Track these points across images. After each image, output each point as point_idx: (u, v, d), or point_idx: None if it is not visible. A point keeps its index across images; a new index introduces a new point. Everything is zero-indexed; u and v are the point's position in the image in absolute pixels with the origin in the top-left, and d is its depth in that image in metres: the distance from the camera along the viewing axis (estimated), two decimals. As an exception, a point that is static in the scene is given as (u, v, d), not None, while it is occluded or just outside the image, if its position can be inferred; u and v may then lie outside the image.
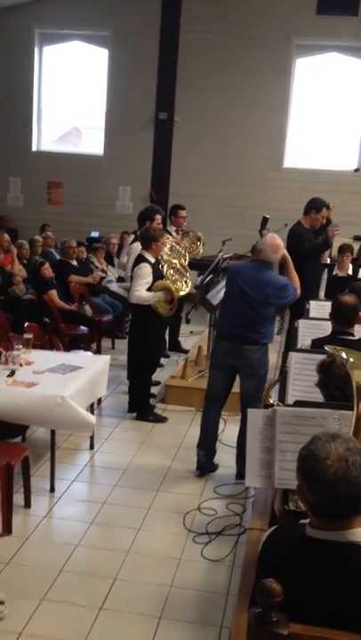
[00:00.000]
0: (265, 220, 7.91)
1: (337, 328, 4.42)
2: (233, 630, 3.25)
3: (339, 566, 1.84)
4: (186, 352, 8.20)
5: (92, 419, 4.75)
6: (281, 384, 3.87)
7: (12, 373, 4.84)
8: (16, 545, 4.03)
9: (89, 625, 3.36)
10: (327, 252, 8.15)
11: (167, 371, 7.53)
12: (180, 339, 8.71)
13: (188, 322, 9.84)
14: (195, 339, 8.93)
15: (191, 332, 9.42)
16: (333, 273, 8.38)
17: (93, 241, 10.99)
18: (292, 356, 4.07)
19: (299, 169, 11.92)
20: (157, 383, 7.07)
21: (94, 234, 11.76)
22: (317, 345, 4.31)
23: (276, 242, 5.01)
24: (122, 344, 8.10)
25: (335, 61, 11.85)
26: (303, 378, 3.78)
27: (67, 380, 4.86)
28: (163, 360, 7.78)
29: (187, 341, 8.84)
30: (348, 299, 4.41)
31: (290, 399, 3.62)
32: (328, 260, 8.74)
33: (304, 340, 4.96)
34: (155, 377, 6.87)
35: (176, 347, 8.54)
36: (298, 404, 2.90)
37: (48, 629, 3.32)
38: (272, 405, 2.96)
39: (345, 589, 1.82)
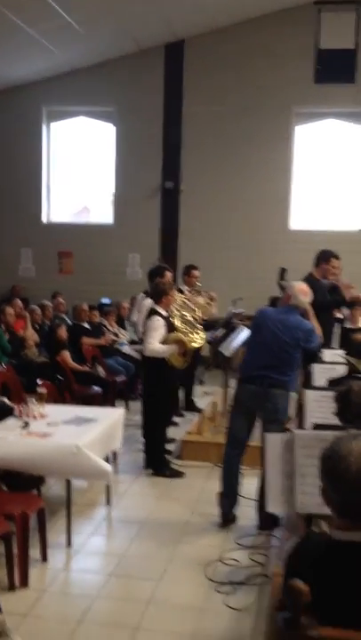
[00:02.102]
0: (283, 271, 7.95)
1: (353, 368, 4.41)
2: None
3: (368, 567, 1.78)
4: (200, 411, 8.13)
5: (108, 467, 4.67)
6: (298, 419, 3.83)
7: (27, 425, 4.81)
8: (33, 598, 3.91)
9: (110, 675, 3.23)
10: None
11: (182, 429, 7.45)
12: (194, 398, 8.67)
13: (201, 383, 9.83)
14: (209, 399, 8.87)
15: (205, 393, 9.37)
16: (345, 326, 8.40)
17: (104, 306, 11.12)
18: (308, 393, 4.05)
19: (304, 230, 12.11)
20: (173, 440, 7.00)
21: (105, 300, 11.89)
22: (334, 384, 4.30)
23: (305, 287, 5.13)
24: (135, 405, 8.06)
25: (334, 127, 12.24)
26: (321, 411, 3.75)
27: (82, 431, 4.83)
28: (177, 419, 7.72)
29: (200, 401, 8.77)
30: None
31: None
32: (342, 316, 8.79)
33: (319, 382, 4.94)
34: (170, 434, 6.81)
35: (190, 406, 8.48)
36: (317, 427, 2.87)
37: None
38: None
39: (376, 590, 1.76)
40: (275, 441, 2.81)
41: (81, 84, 12.36)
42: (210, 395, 9.19)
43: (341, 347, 7.15)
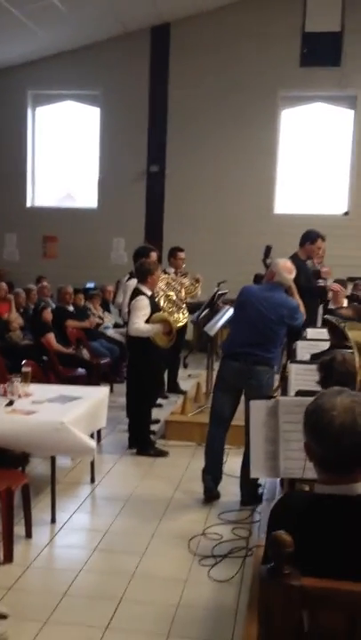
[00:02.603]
0: (268, 250, 7.92)
1: (336, 341, 4.42)
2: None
3: (350, 520, 1.80)
4: (184, 393, 8.13)
5: (93, 443, 4.68)
6: (282, 390, 3.85)
7: (11, 403, 4.79)
8: (18, 572, 3.90)
9: (95, 644, 3.24)
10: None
11: (166, 410, 7.45)
12: (178, 381, 8.67)
13: (185, 366, 9.84)
14: (193, 381, 8.88)
15: (189, 376, 9.38)
16: (328, 307, 8.41)
17: (89, 290, 11.09)
18: (292, 367, 4.07)
19: (289, 214, 12.12)
20: (157, 421, 7.00)
21: (90, 285, 11.86)
22: (317, 358, 4.31)
23: (289, 264, 5.13)
24: (120, 388, 8.04)
25: (320, 111, 12.23)
26: (304, 384, 3.76)
27: (66, 409, 4.82)
28: (161, 401, 7.72)
29: (184, 384, 8.78)
30: (346, 311, 4.44)
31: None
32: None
33: (302, 359, 4.96)
34: (154, 415, 6.81)
35: (174, 388, 8.48)
36: (300, 393, 2.88)
37: (52, 650, 3.19)
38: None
39: (357, 542, 1.77)
40: (259, 407, 2.82)
41: (67, 67, 12.27)
42: (194, 377, 9.20)
43: (325, 325, 7.19)
